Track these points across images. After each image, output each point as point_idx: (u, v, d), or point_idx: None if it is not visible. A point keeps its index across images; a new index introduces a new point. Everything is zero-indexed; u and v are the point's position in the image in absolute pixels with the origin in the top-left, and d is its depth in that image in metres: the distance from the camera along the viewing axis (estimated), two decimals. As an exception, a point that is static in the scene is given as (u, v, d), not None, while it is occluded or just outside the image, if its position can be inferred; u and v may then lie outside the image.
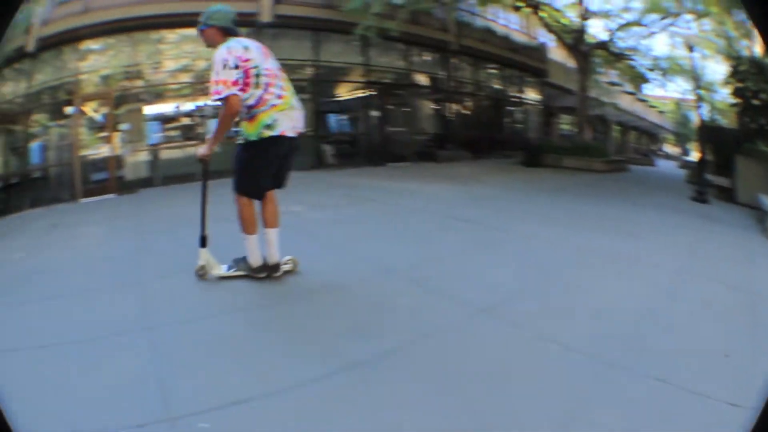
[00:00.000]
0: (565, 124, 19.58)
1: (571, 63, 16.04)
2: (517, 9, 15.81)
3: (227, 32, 3.19)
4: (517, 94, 19.13)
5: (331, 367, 2.23)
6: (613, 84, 18.00)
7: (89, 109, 10.45)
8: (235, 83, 2.96)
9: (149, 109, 10.95)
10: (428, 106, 15.96)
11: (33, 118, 10.30)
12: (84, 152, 10.06)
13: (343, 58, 13.28)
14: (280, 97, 3.17)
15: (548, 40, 17.72)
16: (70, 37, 10.10)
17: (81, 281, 3.68)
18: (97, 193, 9.38)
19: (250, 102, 3.10)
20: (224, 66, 2.95)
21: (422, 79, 15.71)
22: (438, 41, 14.91)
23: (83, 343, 2.51)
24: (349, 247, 4.58)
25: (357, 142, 13.82)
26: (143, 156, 10.53)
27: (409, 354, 2.41)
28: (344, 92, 14.08)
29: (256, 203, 3.38)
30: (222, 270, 3.45)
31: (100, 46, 10.84)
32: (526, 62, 18.16)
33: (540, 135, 18.72)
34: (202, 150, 3.30)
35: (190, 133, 11.14)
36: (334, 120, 13.51)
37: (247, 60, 3.04)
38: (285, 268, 3.49)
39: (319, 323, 2.82)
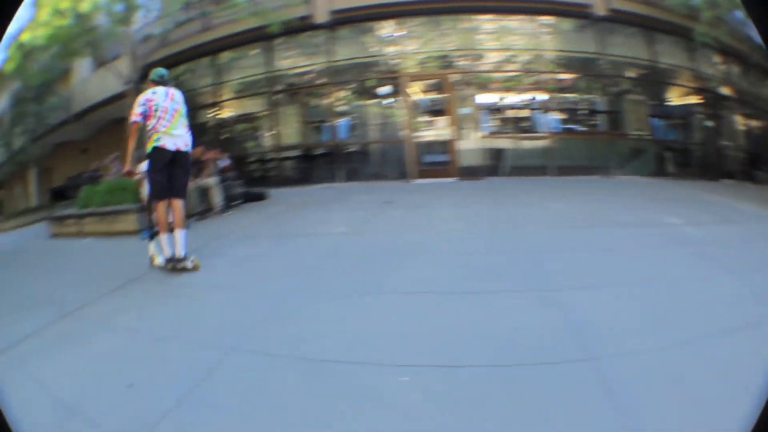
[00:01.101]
0: None
1: None
2: None
3: (153, 83, 5.04)
4: None
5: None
6: None
7: (413, 91, 10.68)
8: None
9: (479, 98, 10.97)
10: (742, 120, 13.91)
11: (336, 94, 10.91)
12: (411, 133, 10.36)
13: (672, 60, 12.28)
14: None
15: None
16: (375, 15, 10.59)
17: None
18: (434, 175, 9.71)
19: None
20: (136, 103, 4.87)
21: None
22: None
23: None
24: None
25: (689, 151, 12.80)
26: (477, 143, 10.52)
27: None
28: (673, 96, 13.03)
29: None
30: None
31: (397, 29, 11.04)
32: None
33: None
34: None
35: (521, 125, 11.08)
36: (661, 125, 12.69)
37: (150, 100, 4.82)
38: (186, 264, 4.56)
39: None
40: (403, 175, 10.28)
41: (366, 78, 11.05)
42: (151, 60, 12.05)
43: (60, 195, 8.25)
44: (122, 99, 12.67)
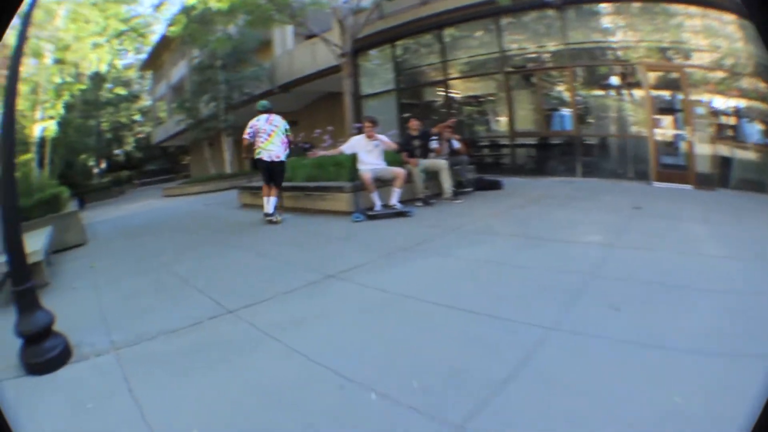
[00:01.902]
0: None
1: None
2: None
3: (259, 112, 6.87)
4: None
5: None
6: None
7: (649, 83, 9.32)
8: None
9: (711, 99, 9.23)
10: None
11: (570, 81, 9.67)
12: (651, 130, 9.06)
13: None
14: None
15: None
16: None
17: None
18: (672, 179, 8.70)
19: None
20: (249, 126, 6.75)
21: None
22: None
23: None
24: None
25: None
26: (708, 148, 8.99)
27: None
28: None
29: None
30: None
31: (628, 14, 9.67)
32: None
33: None
34: None
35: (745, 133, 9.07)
36: None
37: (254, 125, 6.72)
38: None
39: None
40: (643, 175, 8.68)
41: (600, 64, 9.54)
42: (364, 34, 11.86)
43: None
44: (334, 73, 12.27)
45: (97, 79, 21.12)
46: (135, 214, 11.12)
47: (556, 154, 9.55)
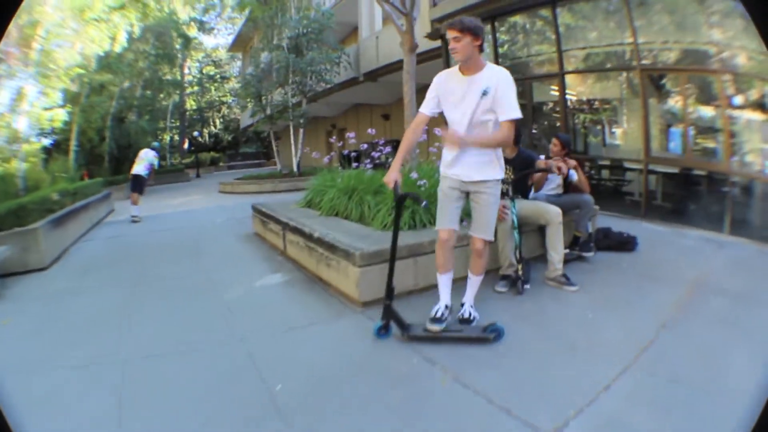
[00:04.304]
0: None
1: None
2: None
3: None
4: None
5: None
6: None
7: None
8: None
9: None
10: None
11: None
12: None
13: None
14: None
15: None
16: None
17: None
18: None
19: None
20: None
21: None
22: None
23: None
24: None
25: None
26: None
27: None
28: None
29: None
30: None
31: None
32: None
33: None
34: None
35: None
36: None
37: None
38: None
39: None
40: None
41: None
42: (454, 8, 9.31)
43: (353, 160, 5.78)
44: (426, 60, 10.30)
45: (169, 58, 20.25)
46: (158, 217, 9.54)
47: (698, 195, 6.15)
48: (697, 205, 6.05)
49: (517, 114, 2.66)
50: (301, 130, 15.23)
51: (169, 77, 22.12)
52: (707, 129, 6.39)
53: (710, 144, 6.34)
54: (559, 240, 3.71)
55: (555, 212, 3.76)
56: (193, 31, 23.53)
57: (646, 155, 6.64)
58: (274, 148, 17.60)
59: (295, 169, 15.02)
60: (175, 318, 3.53)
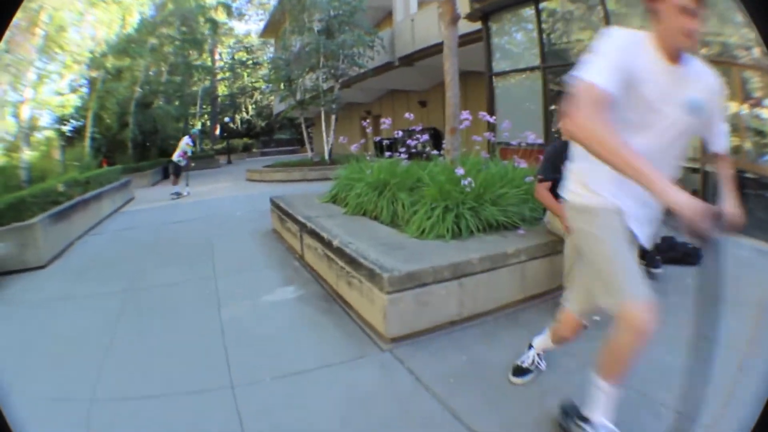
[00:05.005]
0: None
1: None
2: None
3: None
4: None
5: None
6: None
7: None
8: None
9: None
10: None
11: None
12: None
13: None
14: None
15: None
16: None
17: None
18: None
19: None
20: None
21: None
22: None
23: None
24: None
25: None
26: None
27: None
28: None
29: None
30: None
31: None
32: None
33: None
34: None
35: None
36: None
37: None
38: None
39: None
40: None
41: None
42: None
43: (386, 149, 4.93)
44: (466, 44, 8.69)
45: (196, 42, 19.70)
46: (177, 206, 9.06)
47: (756, 203, 4.99)
48: (752, 213, 4.93)
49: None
50: (333, 117, 14.45)
51: (198, 62, 21.57)
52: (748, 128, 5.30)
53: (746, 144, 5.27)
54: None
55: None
56: (222, 17, 22.94)
57: (702, 154, 5.48)
58: (305, 135, 16.85)
59: (326, 156, 14.28)
60: (160, 346, 2.84)
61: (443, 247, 3.01)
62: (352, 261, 2.93)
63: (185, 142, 10.54)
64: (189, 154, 10.66)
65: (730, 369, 2.05)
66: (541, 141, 4.13)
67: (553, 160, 3.07)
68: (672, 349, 2.28)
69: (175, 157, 10.49)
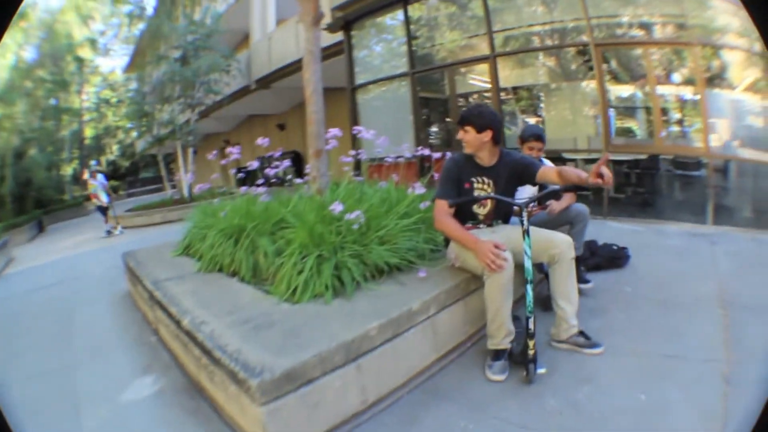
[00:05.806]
0: None
1: None
2: None
3: None
4: None
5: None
6: None
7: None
8: None
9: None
10: None
11: None
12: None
13: None
14: None
15: None
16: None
17: None
18: None
19: None
20: None
21: None
22: None
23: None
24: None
25: None
26: None
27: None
28: None
29: None
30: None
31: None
32: None
33: None
34: None
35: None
36: None
37: None
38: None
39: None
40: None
41: None
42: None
43: (241, 182, 4.13)
44: (325, 59, 9.03)
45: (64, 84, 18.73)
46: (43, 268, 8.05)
47: (673, 185, 5.43)
48: (675, 197, 5.26)
49: None
50: (192, 150, 13.58)
51: (66, 106, 20.40)
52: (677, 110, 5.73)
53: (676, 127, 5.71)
54: (573, 284, 2.44)
55: (566, 243, 2.41)
56: (89, 54, 21.13)
57: (606, 143, 5.75)
58: (163, 173, 16.22)
59: (185, 194, 13.22)
60: None
61: (325, 313, 2.38)
62: (207, 352, 2.25)
63: (101, 182, 10.84)
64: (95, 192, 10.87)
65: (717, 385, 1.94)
66: (428, 152, 3.78)
67: (455, 177, 2.60)
68: (640, 380, 2.08)
69: (104, 198, 10.79)
